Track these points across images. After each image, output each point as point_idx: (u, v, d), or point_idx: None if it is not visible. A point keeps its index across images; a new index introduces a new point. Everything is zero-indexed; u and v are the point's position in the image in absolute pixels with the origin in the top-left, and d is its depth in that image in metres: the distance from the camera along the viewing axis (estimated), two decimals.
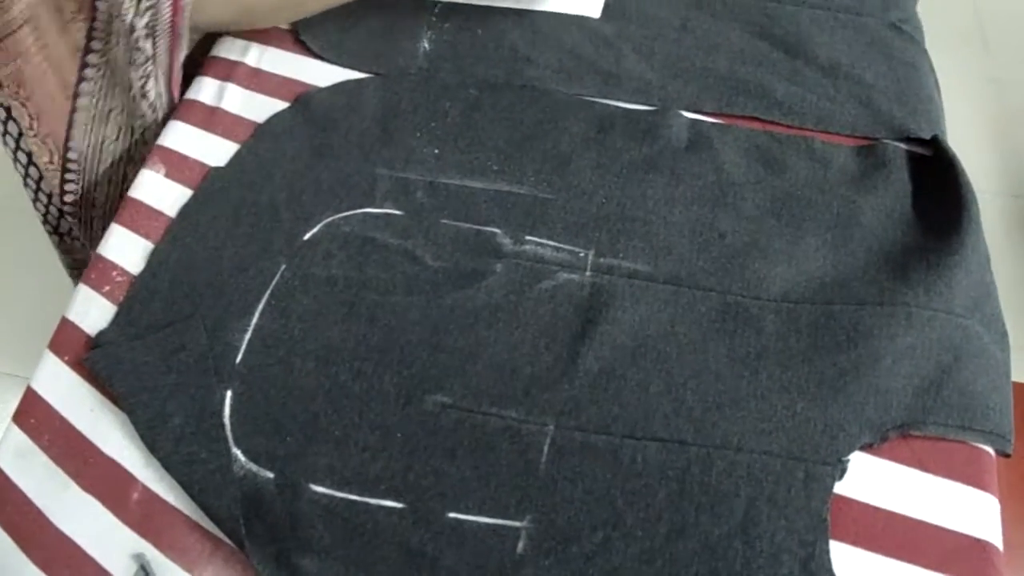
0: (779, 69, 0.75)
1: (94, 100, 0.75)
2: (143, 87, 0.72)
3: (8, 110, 0.75)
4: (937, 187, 0.68)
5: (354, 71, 0.76)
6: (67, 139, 0.76)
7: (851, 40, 0.78)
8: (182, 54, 0.74)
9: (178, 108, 0.76)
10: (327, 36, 0.78)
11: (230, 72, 0.78)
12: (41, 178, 0.82)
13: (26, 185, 0.85)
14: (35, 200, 0.87)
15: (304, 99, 0.73)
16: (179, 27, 0.70)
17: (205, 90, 0.77)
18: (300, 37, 0.78)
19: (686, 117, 0.71)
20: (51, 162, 0.78)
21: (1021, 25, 2.16)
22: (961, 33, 2.12)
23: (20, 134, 0.76)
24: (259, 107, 0.75)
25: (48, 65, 0.71)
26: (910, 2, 0.84)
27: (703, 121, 0.71)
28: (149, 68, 0.72)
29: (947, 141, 0.70)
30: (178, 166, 0.73)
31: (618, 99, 0.72)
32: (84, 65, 0.72)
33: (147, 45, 0.69)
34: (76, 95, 0.74)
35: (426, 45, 0.77)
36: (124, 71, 0.72)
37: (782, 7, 0.80)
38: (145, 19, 0.68)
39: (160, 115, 0.76)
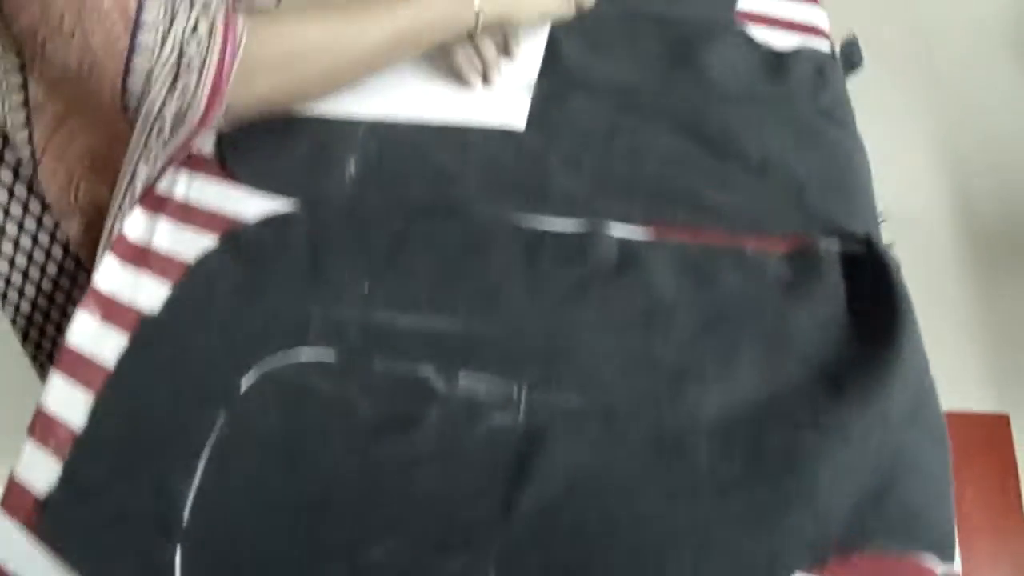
0: (709, 172, 0.76)
1: None
2: (133, 173, 0.74)
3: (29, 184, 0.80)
4: (872, 289, 0.68)
5: (282, 198, 0.77)
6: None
7: (781, 133, 0.79)
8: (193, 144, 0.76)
9: (113, 243, 0.77)
10: (254, 163, 0.79)
11: (160, 204, 0.79)
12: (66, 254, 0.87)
13: (6, 297, 0.89)
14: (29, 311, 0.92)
15: (232, 236, 0.75)
16: (211, 118, 0.72)
17: (137, 224, 0.78)
18: (227, 164, 0.79)
19: (614, 237, 0.71)
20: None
21: (964, 38, 2.17)
22: (905, 50, 2.14)
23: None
24: (189, 243, 0.77)
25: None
26: (838, 82, 0.85)
27: (632, 241, 0.71)
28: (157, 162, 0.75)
29: (880, 238, 0.71)
30: (113, 310, 0.74)
31: (546, 214, 0.73)
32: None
33: (167, 130, 0.71)
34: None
35: (352, 169, 0.78)
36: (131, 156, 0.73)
37: (710, 103, 0.81)
38: (175, 107, 0.70)
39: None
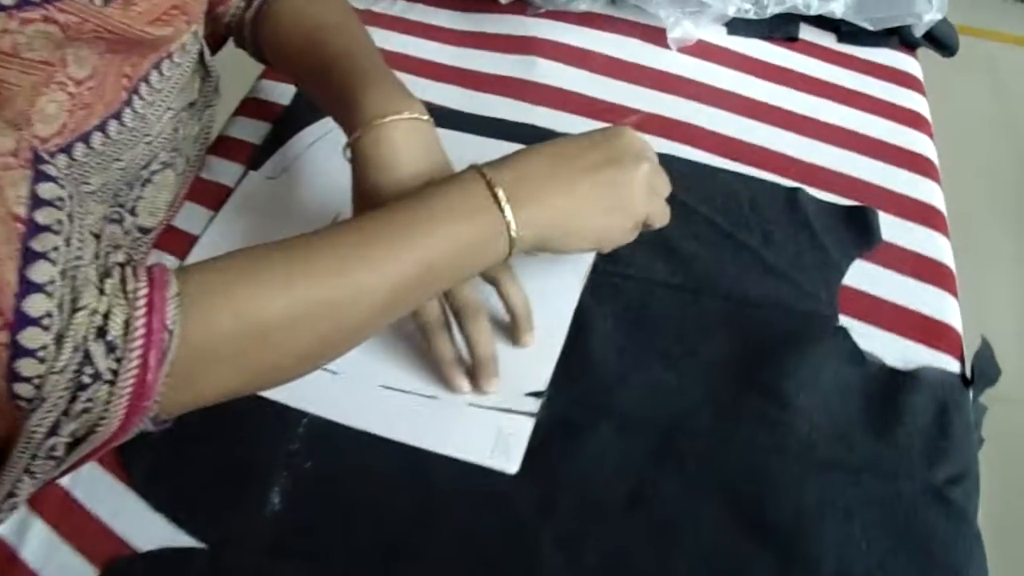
0: None
1: None
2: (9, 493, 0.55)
3: None
4: None
5: (182, 532, 0.60)
6: None
7: (874, 529, 0.58)
8: None
9: None
10: (154, 472, 0.62)
11: (39, 498, 0.62)
12: None
13: None
14: None
15: (116, 570, 0.59)
16: (131, 430, 0.52)
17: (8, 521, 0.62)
18: (124, 459, 0.61)
19: None
20: None
21: None
22: None
23: None
24: (62, 570, 0.60)
25: None
26: (964, 430, 0.63)
27: None
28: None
29: None
30: None
31: None
32: None
33: (61, 450, 0.51)
34: None
35: (276, 501, 0.59)
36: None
37: (784, 461, 0.61)
38: (74, 425, 0.50)
39: None
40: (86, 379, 0.47)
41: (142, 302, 0.49)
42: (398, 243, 0.55)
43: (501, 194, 0.56)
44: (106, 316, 0.48)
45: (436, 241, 0.56)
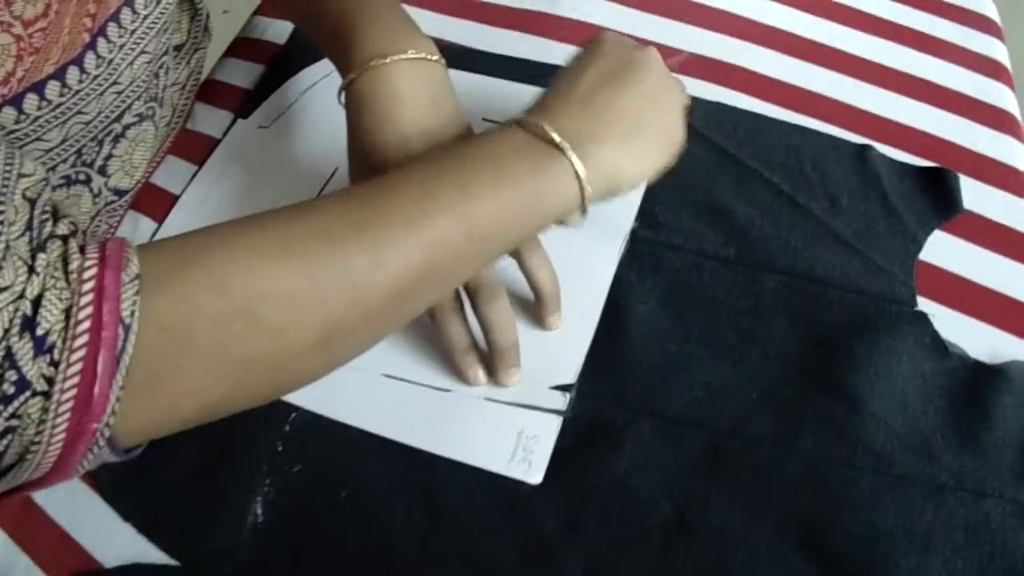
0: None
1: None
2: None
3: None
4: None
5: (153, 547, 0.52)
6: None
7: (956, 554, 0.49)
8: None
9: None
10: (122, 474, 0.53)
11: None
12: None
13: None
14: None
15: None
16: (71, 466, 0.40)
17: None
18: (98, 479, 0.54)
19: None
20: None
21: None
22: None
23: None
24: None
25: None
26: None
27: None
28: None
29: None
30: None
31: None
32: None
33: None
34: None
35: (258, 511, 0.51)
36: None
37: (853, 483, 0.51)
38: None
39: None
40: (8, 388, 0.37)
41: (89, 285, 0.38)
42: (429, 199, 0.44)
43: (549, 132, 0.46)
44: (36, 303, 0.37)
45: (482, 197, 0.45)
